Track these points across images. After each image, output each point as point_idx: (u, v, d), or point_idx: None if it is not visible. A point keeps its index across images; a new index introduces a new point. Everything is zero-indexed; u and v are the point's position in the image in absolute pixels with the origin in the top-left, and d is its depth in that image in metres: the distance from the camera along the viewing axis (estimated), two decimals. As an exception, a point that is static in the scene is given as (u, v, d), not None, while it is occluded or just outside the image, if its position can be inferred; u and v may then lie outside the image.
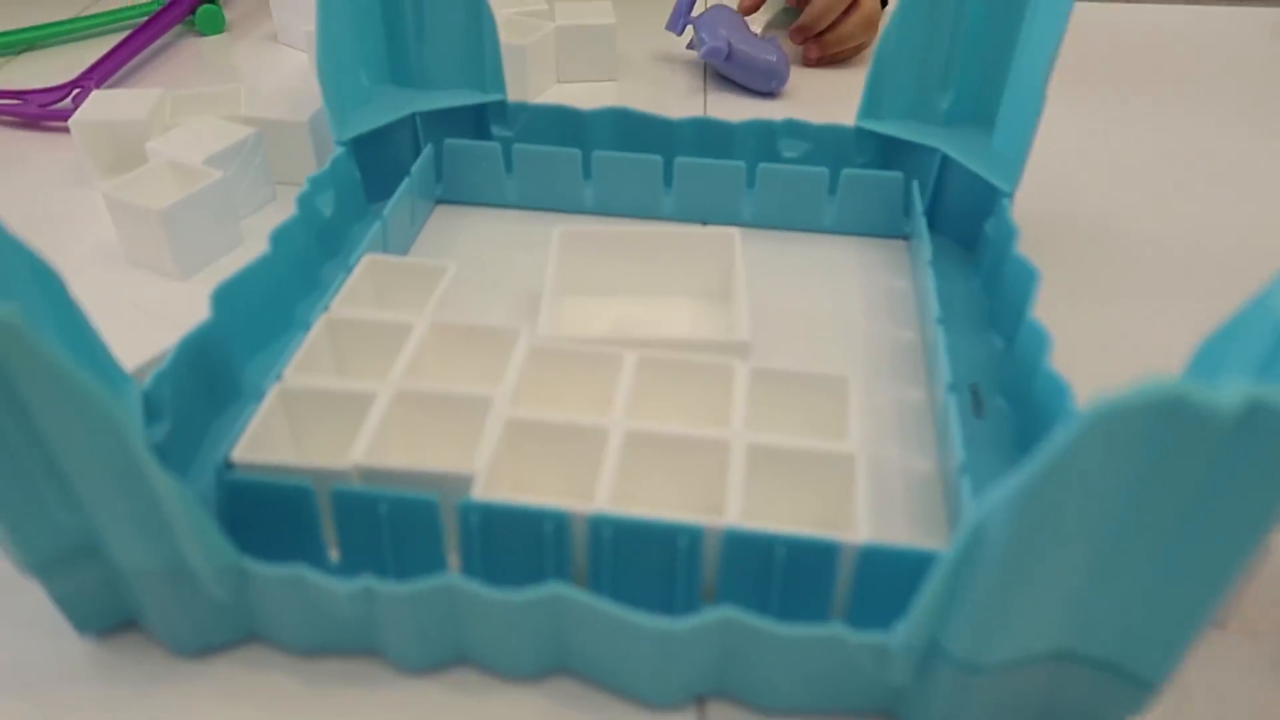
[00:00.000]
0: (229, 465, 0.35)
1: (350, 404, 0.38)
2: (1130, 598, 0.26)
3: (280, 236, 0.46)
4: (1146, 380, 0.21)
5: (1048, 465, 0.22)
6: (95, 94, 0.61)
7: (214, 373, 0.41)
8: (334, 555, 0.35)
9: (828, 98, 0.72)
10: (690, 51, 0.77)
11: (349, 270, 0.46)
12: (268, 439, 0.37)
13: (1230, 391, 0.21)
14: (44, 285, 0.33)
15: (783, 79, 0.71)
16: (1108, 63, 0.79)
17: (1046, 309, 0.43)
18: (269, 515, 0.34)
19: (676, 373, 0.40)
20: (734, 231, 0.48)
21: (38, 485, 0.28)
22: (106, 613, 0.33)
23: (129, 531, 0.29)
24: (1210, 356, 0.28)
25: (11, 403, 0.26)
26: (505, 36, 0.58)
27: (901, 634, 0.28)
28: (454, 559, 0.35)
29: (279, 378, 0.39)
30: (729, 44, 0.70)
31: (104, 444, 0.27)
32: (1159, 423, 0.21)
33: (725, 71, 0.72)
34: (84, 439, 0.27)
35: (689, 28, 0.74)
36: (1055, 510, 0.23)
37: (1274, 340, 0.25)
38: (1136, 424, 0.21)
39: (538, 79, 0.70)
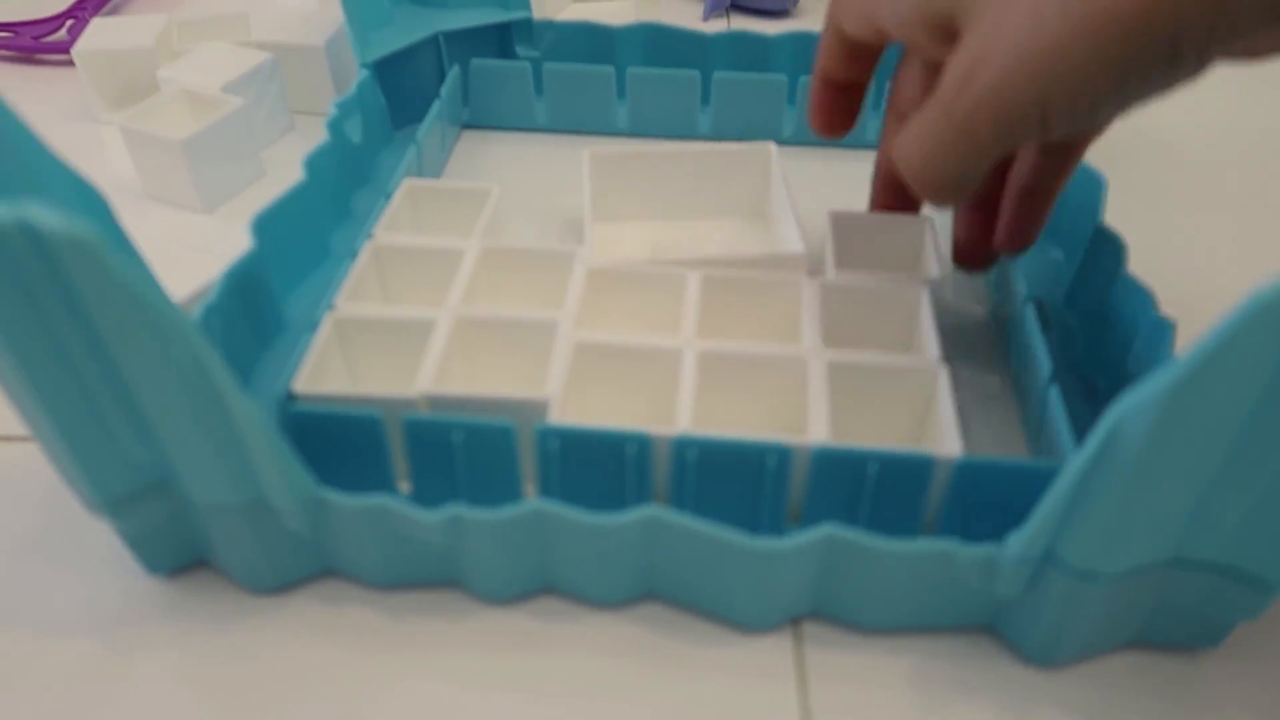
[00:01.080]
0: (291, 397, 0.34)
1: (408, 332, 0.37)
2: (1259, 500, 0.25)
3: (314, 163, 0.44)
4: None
5: (1196, 364, 0.21)
6: (95, 22, 0.58)
7: (259, 305, 0.40)
8: (404, 487, 0.34)
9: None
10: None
11: (387, 197, 0.44)
12: (327, 370, 0.36)
13: None
14: (91, 209, 0.31)
15: None
16: None
17: (1109, 219, 0.42)
18: (336, 448, 0.33)
19: (741, 290, 0.39)
20: (769, 146, 0.46)
21: (111, 419, 0.27)
22: (178, 551, 0.32)
23: (207, 464, 0.28)
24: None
25: (83, 329, 0.25)
26: (525, -47, 0.56)
27: (1017, 545, 0.27)
28: (530, 488, 0.34)
29: (331, 307, 0.38)
30: None
31: (183, 372, 0.25)
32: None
33: (738, 1, 0.70)
34: (163, 367, 0.25)
35: None
36: (1204, 409, 0.22)
37: None
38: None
39: (554, -1, 0.68)
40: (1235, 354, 0.21)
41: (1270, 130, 0.57)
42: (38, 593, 0.33)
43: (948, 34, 0.30)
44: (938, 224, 0.42)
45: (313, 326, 0.37)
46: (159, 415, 0.26)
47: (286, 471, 0.28)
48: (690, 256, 0.40)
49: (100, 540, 0.33)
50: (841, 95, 0.40)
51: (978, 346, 0.43)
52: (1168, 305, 0.36)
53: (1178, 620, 0.30)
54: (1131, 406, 0.23)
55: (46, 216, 0.22)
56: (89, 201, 0.31)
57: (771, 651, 0.31)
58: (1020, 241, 0.39)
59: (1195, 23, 0.24)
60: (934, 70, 0.33)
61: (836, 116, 0.40)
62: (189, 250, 0.47)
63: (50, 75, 0.62)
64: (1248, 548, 0.26)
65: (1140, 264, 0.39)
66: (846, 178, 0.53)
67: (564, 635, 0.32)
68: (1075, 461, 0.25)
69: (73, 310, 0.24)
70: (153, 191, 0.52)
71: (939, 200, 0.33)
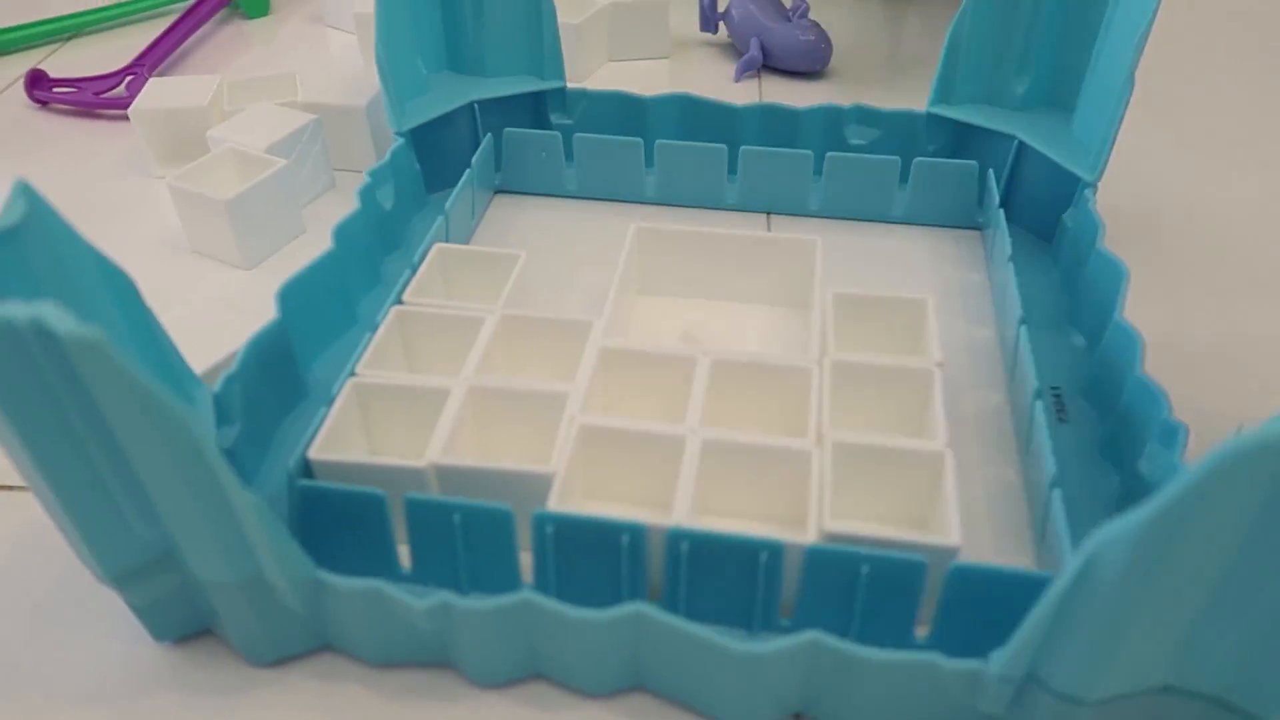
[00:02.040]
0: (305, 466, 0.35)
1: (424, 400, 0.38)
2: (1249, 637, 0.24)
3: (343, 232, 0.45)
4: (1276, 419, 0.20)
5: (1170, 503, 0.21)
6: (152, 81, 0.60)
7: (281, 373, 0.41)
8: (405, 561, 0.35)
9: (874, 73, 0.70)
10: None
11: (414, 263, 0.45)
12: (343, 436, 0.37)
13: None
14: (116, 290, 0.33)
15: (825, 57, 0.69)
16: (1200, 37, 0.75)
17: (1132, 308, 0.41)
18: (341, 522, 0.34)
19: (751, 374, 0.39)
20: (815, 239, 0.46)
21: (116, 499, 0.28)
22: (183, 621, 0.33)
23: (207, 545, 0.29)
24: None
25: (92, 418, 0.26)
26: (558, 15, 0.57)
27: (999, 664, 0.27)
28: (527, 566, 0.35)
29: (353, 373, 0.39)
30: (761, 47, 0.69)
31: (183, 459, 0.26)
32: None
33: (769, 62, 0.70)
34: (163, 454, 0.26)
35: (720, 23, 0.73)
36: (1176, 549, 0.22)
37: None
38: (1267, 464, 0.20)
39: (590, 58, 0.69)
40: (1202, 501, 0.21)
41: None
42: (48, 655, 0.34)
43: None
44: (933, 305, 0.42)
45: (335, 393, 0.38)
46: (162, 498, 0.28)
47: (284, 553, 0.29)
48: (722, 354, 0.39)
49: (109, 608, 0.34)
50: None
51: (991, 429, 0.42)
52: (1185, 405, 0.35)
53: (1171, 747, 0.29)
54: (1108, 539, 0.23)
55: (58, 317, 0.23)
56: (115, 284, 0.32)
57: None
58: None
59: None
60: None
61: None
62: (228, 308, 0.49)
63: (109, 130, 0.65)
64: (1240, 682, 0.26)
65: (1157, 356, 0.38)
66: (871, 249, 0.53)
67: (553, 722, 0.32)
68: (1053, 589, 0.24)
69: (81, 401, 0.25)
70: (198, 246, 0.54)
71: None
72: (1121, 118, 0.46)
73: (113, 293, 0.32)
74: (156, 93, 0.59)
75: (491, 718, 0.32)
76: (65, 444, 0.26)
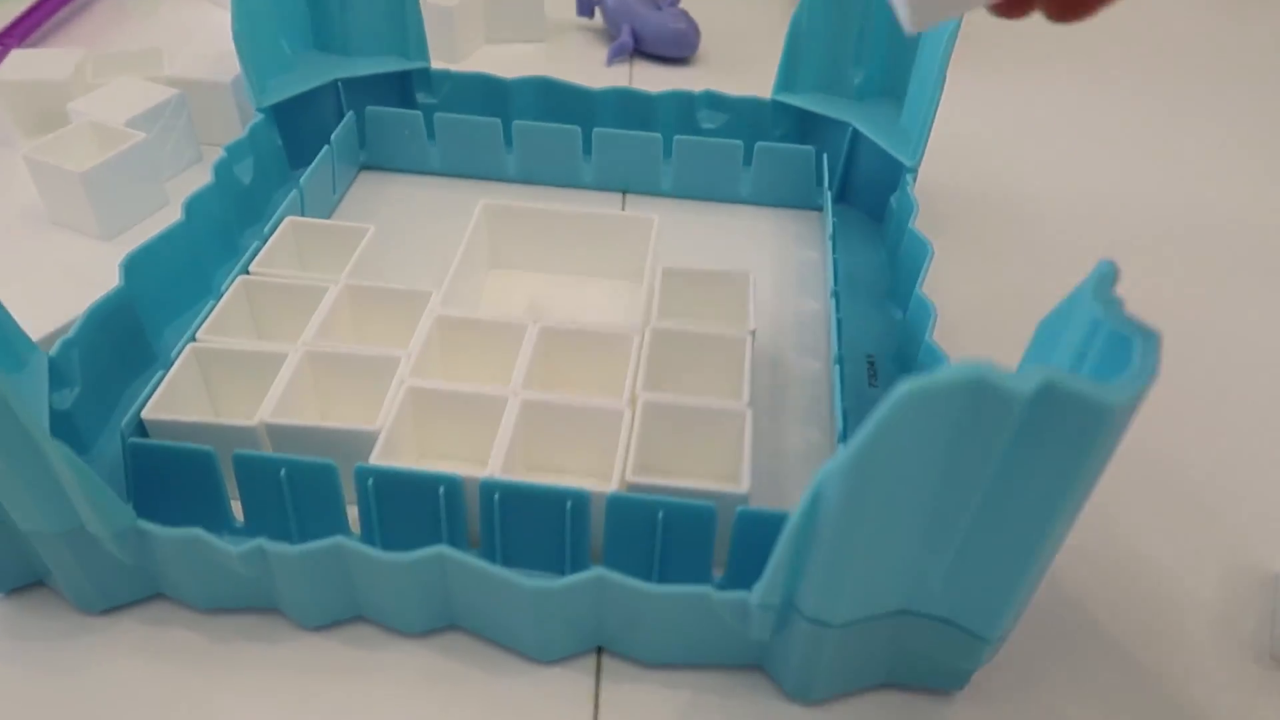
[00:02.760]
0: (140, 427, 0.37)
1: (264, 364, 0.40)
2: (959, 562, 0.28)
3: (195, 204, 0.47)
4: (959, 363, 0.23)
5: (870, 436, 0.24)
6: (15, 52, 0.60)
7: (126, 339, 0.42)
8: (239, 516, 0.37)
9: (743, 62, 0.74)
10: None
11: (264, 234, 0.47)
12: (180, 398, 0.38)
13: (1027, 375, 0.23)
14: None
15: (693, 44, 0.73)
16: (1015, 33, 0.80)
17: (944, 279, 0.45)
18: (175, 478, 0.36)
19: (577, 343, 0.42)
20: (653, 218, 0.49)
21: (-66, 451, 0.29)
22: (13, 572, 0.35)
23: (25, 497, 0.30)
24: (1047, 335, 0.30)
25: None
26: (434, -1, 0.59)
27: (758, 593, 0.30)
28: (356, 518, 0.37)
29: (193, 339, 0.40)
30: (633, 33, 0.72)
31: (-4, 413, 0.28)
32: (966, 401, 0.23)
33: (641, 47, 0.73)
34: (-25, 408, 0.28)
35: (596, 8, 0.76)
36: (879, 478, 0.25)
37: (1089, 325, 0.27)
38: (945, 401, 0.23)
39: (466, 40, 0.71)
40: (895, 434, 0.24)
41: (1104, 191, 0.61)
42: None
43: None
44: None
45: (173, 358, 0.39)
46: (-23, 451, 0.29)
47: (102, 504, 0.31)
48: (554, 324, 0.42)
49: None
50: None
51: (812, 402, 0.46)
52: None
53: (919, 664, 0.33)
54: (827, 473, 0.26)
55: None
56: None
57: (572, 683, 0.34)
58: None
59: None
60: None
61: None
62: (79, 278, 0.50)
63: (-26, 100, 0.64)
64: (957, 603, 0.29)
65: (956, 323, 0.42)
66: (717, 228, 0.56)
67: (373, 662, 0.34)
68: (790, 522, 0.27)
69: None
70: (57, 218, 0.54)
71: None
72: (935, 109, 0.49)
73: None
74: (18, 64, 0.59)
75: (315, 657, 0.34)
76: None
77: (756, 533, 0.34)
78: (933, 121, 0.50)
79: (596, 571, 0.31)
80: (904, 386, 0.23)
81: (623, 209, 0.57)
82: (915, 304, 0.44)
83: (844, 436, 0.38)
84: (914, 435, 0.24)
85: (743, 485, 0.35)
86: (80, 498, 0.30)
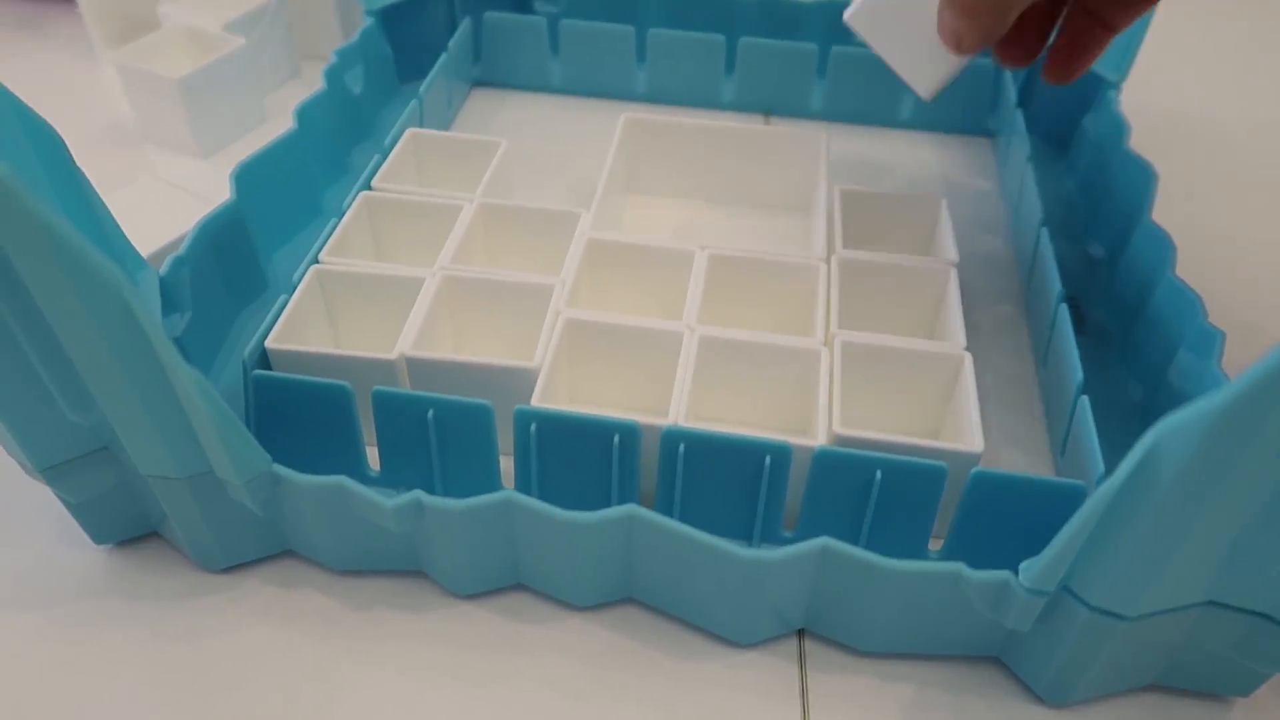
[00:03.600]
0: (263, 357, 0.32)
1: (394, 290, 0.35)
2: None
3: (306, 112, 0.41)
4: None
5: (1258, 383, 0.18)
6: (99, -46, 0.55)
7: (237, 261, 0.37)
8: (374, 463, 0.32)
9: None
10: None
11: (385, 148, 0.41)
12: (305, 327, 0.34)
13: None
14: (45, 151, 0.29)
15: None
16: None
17: (1155, 214, 0.38)
18: (303, 418, 0.31)
19: (752, 273, 0.36)
20: (822, 135, 0.42)
21: (43, 380, 0.25)
22: (126, 522, 0.30)
23: (147, 433, 0.25)
24: None
25: (9, 282, 0.22)
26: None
27: (1030, 576, 0.24)
28: (507, 472, 0.32)
29: (316, 260, 0.35)
30: None
31: (115, 330, 0.23)
32: None
33: None
34: (92, 324, 0.23)
35: None
36: (1256, 438, 0.19)
37: None
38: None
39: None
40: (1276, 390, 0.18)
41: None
42: (-20, 556, 0.31)
43: None
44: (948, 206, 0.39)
45: (296, 281, 0.34)
46: (93, 379, 0.24)
47: (236, 444, 0.26)
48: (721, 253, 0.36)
49: (45, 507, 0.31)
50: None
51: (1005, 340, 0.40)
52: (1217, 315, 0.33)
53: (1206, 665, 0.27)
54: (1172, 429, 0.20)
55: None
56: (43, 143, 0.28)
57: (773, 671, 0.29)
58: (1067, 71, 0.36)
59: None
60: None
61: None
62: (176, 196, 0.45)
63: (52, 12, 0.60)
64: (1290, 595, 0.24)
65: (1189, 268, 0.36)
66: (876, 156, 0.49)
67: (536, 637, 0.29)
68: (1104, 489, 0.22)
69: (-5, 258, 0.22)
70: (149, 133, 0.49)
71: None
72: (1152, 13, 0.42)
73: (40, 154, 0.28)
74: (103, -34, 0.54)
75: (468, 629, 0.29)
76: (-23, 309, 0.23)
77: (991, 500, 0.28)
78: (1145, 29, 0.43)
79: (824, 541, 0.26)
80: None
81: (766, 132, 0.51)
82: (1143, 237, 0.37)
83: (1086, 386, 0.32)
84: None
85: (975, 443, 0.29)
86: (212, 437, 0.25)
